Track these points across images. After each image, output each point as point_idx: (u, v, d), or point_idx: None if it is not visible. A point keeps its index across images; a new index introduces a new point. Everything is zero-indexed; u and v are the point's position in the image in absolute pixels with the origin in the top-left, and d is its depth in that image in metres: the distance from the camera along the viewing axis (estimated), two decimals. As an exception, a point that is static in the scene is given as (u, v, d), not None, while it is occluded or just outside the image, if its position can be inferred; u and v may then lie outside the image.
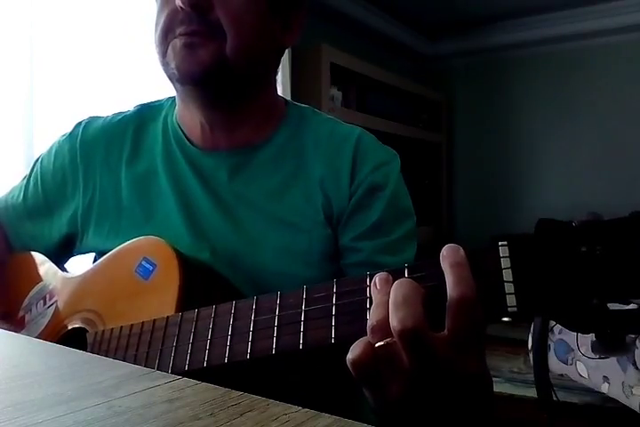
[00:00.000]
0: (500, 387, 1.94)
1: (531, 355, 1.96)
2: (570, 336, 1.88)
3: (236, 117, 0.76)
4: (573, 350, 1.87)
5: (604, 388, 1.74)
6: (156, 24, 0.71)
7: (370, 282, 0.47)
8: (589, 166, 3.27)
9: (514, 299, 0.41)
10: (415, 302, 0.42)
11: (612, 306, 0.39)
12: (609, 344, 0.40)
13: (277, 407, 0.34)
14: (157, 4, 0.73)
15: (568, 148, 3.35)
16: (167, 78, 0.74)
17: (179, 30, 0.68)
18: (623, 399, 1.67)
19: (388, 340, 0.42)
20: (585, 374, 1.83)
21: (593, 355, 1.76)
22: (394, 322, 0.42)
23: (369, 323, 0.44)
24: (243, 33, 0.69)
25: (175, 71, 0.69)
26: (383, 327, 0.43)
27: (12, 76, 1.56)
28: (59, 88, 1.66)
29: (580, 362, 1.84)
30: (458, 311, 0.42)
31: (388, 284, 0.45)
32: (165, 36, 0.70)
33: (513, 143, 3.54)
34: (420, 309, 0.42)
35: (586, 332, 0.40)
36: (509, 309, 0.41)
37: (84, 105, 1.66)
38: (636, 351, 1.61)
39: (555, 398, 1.74)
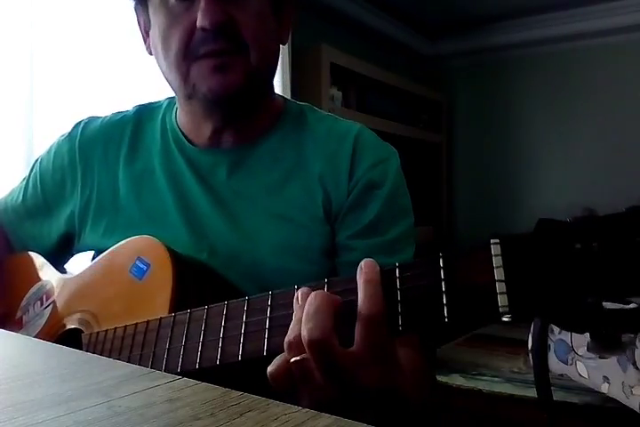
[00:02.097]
0: (499, 387, 1.93)
1: (531, 355, 1.96)
2: (570, 336, 1.88)
3: (248, 119, 0.77)
4: (573, 349, 1.87)
5: (604, 388, 1.74)
6: (166, 44, 0.69)
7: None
8: (589, 166, 3.26)
9: (505, 299, 0.39)
10: (325, 314, 0.43)
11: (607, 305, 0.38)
12: (605, 344, 0.39)
13: (277, 407, 0.34)
14: (158, 21, 0.70)
15: (568, 148, 3.35)
16: (179, 94, 0.73)
17: (202, 50, 0.67)
18: (623, 399, 1.66)
19: (304, 355, 0.43)
20: (585, 374, 1.83)
21: (590, 355, 1.76)
22: (303, 332, 0.43)
23: (286, 339, 0.45)
24: (263, 42, 0.70)
25: (207, 93, 0.68)
26: (299, 343, 0.44)
27: (12, 77, 1.56)
28: (59, 88, 1.66)
29: (580, 362, 1.84)
30: (364, 327, 0.43)
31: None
32: (184, 56, 0.68)
33: (513, 143, 3.54)
34: (329, 321, 0.43)
35: (580, 331, 0.39)
36: (501, 308, 0.40)
37: (84, 105, 1.66)
38: (636, 351, 1.61)
39: (555, 398, 1.74)
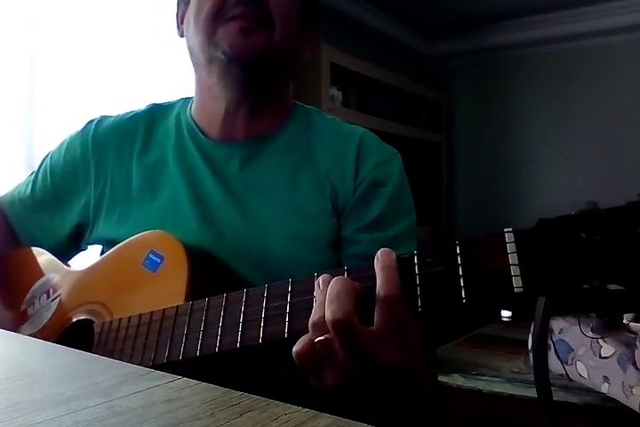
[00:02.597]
0: (499, 387, 1.94)
1: (531, 355, 1.96)
2: (570, 336, 1.88)
3: (259, 108, 0.79)
4: (573, 349, 1.87)
5: (604, 388, 1.75)
6: (199, 10, 0.73)
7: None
8: (589, 166, 3.27)
9: (520, 280, 0.43)
10: (346, 297, 0.47)
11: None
12: (608, 324, 0.43)
13: (277, 407, 0.34)
14: None
15: (568, 147, 3.35)
16: (201, 60, 0.76)
17: (232, 12, 0.71)
18: (623, 399, 1.67)
19: (327, 335, 0.47)
20: (585, 374, 1.83)
21: (590, 355, 1.76)
22: (327, 314, 0.46)
23: (310, 320, 0.48)
24: (288, 27, 0.74)
25: (228, 51, 0.71)
26: (322, 324, 0.47)
27: (12, 77, 1.56)
28: (59, 88, 1.67)
29: (580, 362, 1.84)
30: (383, 308, 0.46)
31: (329, 284, 0.49)
32: (214, 18, 0.72)
33: (513, 143, 3.54)
34: (351, 303, 0.46)
35: (587, 311, 0.42)
36: (516, 289, 0.43)
37: (84, 105, 1.67)
38: (636, 351, 1.61)
39: (555, 398, 1.74)
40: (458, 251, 0.46)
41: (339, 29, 2.96)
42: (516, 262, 0.43)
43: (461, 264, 0.46)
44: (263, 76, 0.75)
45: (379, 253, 0.49)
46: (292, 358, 0.49)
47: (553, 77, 3.39)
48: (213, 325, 0.57)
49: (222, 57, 0.72)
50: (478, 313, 2.67)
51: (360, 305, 0.47)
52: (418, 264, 0.48)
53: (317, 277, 0.52)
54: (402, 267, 0.48)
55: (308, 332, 0.50)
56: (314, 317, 0.48)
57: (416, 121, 3.41)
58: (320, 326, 0.47)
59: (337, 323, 0.46)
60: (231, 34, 0.71)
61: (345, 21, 2.96)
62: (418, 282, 0.47)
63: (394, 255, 0.48)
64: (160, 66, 1.78)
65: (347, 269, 0.51)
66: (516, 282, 0.43)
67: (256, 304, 0.55)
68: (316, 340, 0.47)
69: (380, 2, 3.02)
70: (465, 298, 0.45)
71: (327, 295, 0.47)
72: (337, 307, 0.46)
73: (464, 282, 0.45)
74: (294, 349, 0.48)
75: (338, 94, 2.75)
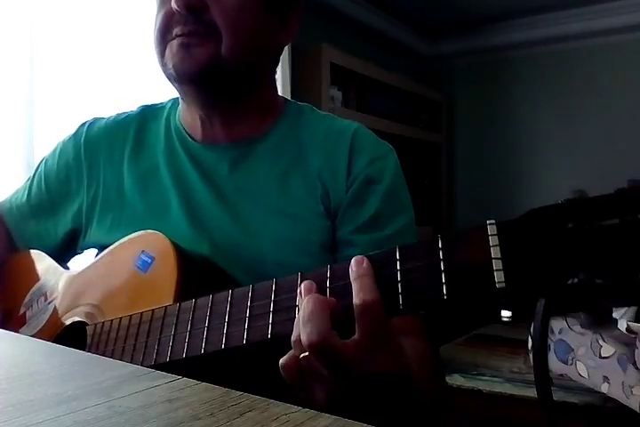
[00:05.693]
0: (499, 387, 1.93)
1: (531, 355, 1.96)
2: (570, 336, 1.88)
3: (234, 113, 0.77)
4: (573, 349, 1.87)
5: (604, 388, 1.74)
6: (154, 25, 0.73)
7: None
8: (590, 166, 3.26)
9: (502, 275, 0.41)
10: (320, 317, 0.45)
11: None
12: (597, 318, 0.41)
13: (277, 407, 0.34)
14: (156, 5, 0.74)
15: (568, 148, 3.35)
16: (166, 78, 0.75)
17: (175, 31, 0.70)
18: (623, 399, 1.66)
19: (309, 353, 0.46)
20: (585, 374, 1.83)
21: (590, 355, 1.76)
22: (302, 337, 0.45)
23: (292, 337, 0.47)
24: (238, 32, 0.71)
25: (172, 71, 0.71)
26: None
27: (12, 77, 1.56)
28: (59, 89, 1.66)
29: (580, 362, 1.84)
30: (362, 317, 0.45)
31: (310, 292, 0.48)
32: (163, 37, 0.72)
33: (513, 143, 3.54)
34: (326, 322, 0.45)
35: (574, 309, 0.40)
36: (498, 285, 0.41)
37: (85, 106, 1.67)
38: (636, 351, 1.61)
39: (555, 398, 1.74)
40: (440, 245, 0.44)
41: (339, 29, 2.96)
42: (499, 256, 0.41)
43: (443, 259, 0.44)
44: (221, 87, 0.73)
45: (352, 263, 0.47)
46: None
47: (553, 77, 3.39)
48: (200, 325, 0.57)
49: (172, 76, 0.72)
50: (477, 313, 2.66)
51: (339, 316, 0.46)
52: (399, 259, 0.46)
53: (300, 276, 0.51)
54: (382, 263, 0.46)
55: (291, 333, 0.49)
56: (295, 333, 0.47)
57: (416, 121, 3.41)
58: (300, 343, 0.46)
59: (314, 345, 0.45)
60: (174, 52, 0.70)
61: (345, 21, 2.95)
62: (399, 278, 0.45)
63: (365, 263, 0.47)
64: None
65: (330, 268, 0.49)
66: (498, 277, 0.41)
67: (241, 304, 0.54)
68: (301, 356, 0.46)
69: (380, 2, 3.01)
70: (446, 294, 0.43)
71: (301, 316, 0.46)
72: (311, 329, 0.45)
73: (445, 278, 0.43)
74: (280, 362, 0.48)
75: (338, 94, 2.74)
